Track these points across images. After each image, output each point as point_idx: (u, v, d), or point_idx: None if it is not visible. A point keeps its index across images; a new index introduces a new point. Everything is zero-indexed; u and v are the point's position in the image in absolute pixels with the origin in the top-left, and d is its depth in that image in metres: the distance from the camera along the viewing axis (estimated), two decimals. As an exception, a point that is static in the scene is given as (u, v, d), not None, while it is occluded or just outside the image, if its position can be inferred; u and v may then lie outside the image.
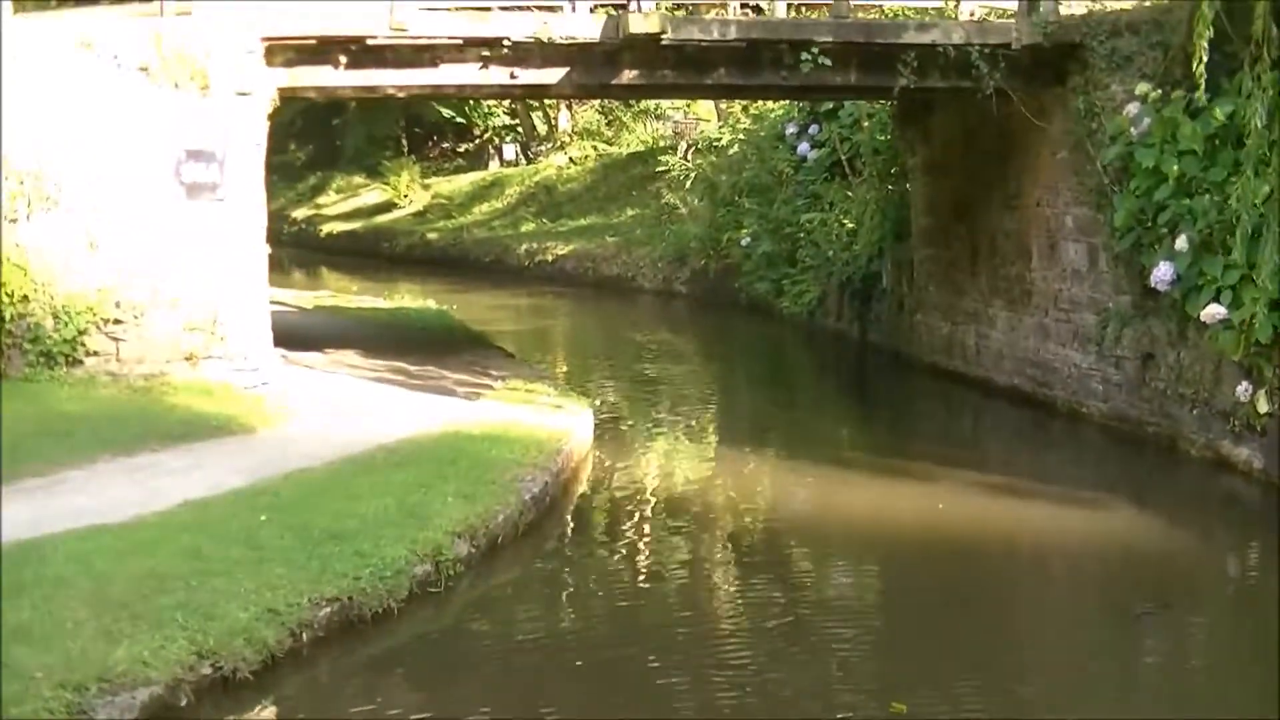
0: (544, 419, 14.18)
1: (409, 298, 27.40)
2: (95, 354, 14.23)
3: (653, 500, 13.19)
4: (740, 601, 10.45)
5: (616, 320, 29.57)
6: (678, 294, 31.49)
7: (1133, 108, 14.67)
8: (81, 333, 14.16)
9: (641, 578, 10.96)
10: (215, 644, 7.75)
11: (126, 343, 14.32)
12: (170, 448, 12.40)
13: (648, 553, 11.60)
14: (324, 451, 12.39)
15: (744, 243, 27.76)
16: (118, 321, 14.26)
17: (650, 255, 32.95)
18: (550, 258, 36.52)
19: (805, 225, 25.76)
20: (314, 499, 10.48)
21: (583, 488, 13.60)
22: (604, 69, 15.90)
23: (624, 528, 12.28)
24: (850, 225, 24.45)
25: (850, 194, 24.74)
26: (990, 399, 18.13)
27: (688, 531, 12.19)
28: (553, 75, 15.85)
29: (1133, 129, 14.63)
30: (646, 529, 12.27)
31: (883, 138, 23.20)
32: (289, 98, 15.95)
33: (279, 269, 44.47)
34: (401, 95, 16.67)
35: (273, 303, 25.80)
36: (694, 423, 17.63)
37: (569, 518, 12.44)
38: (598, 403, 18.30)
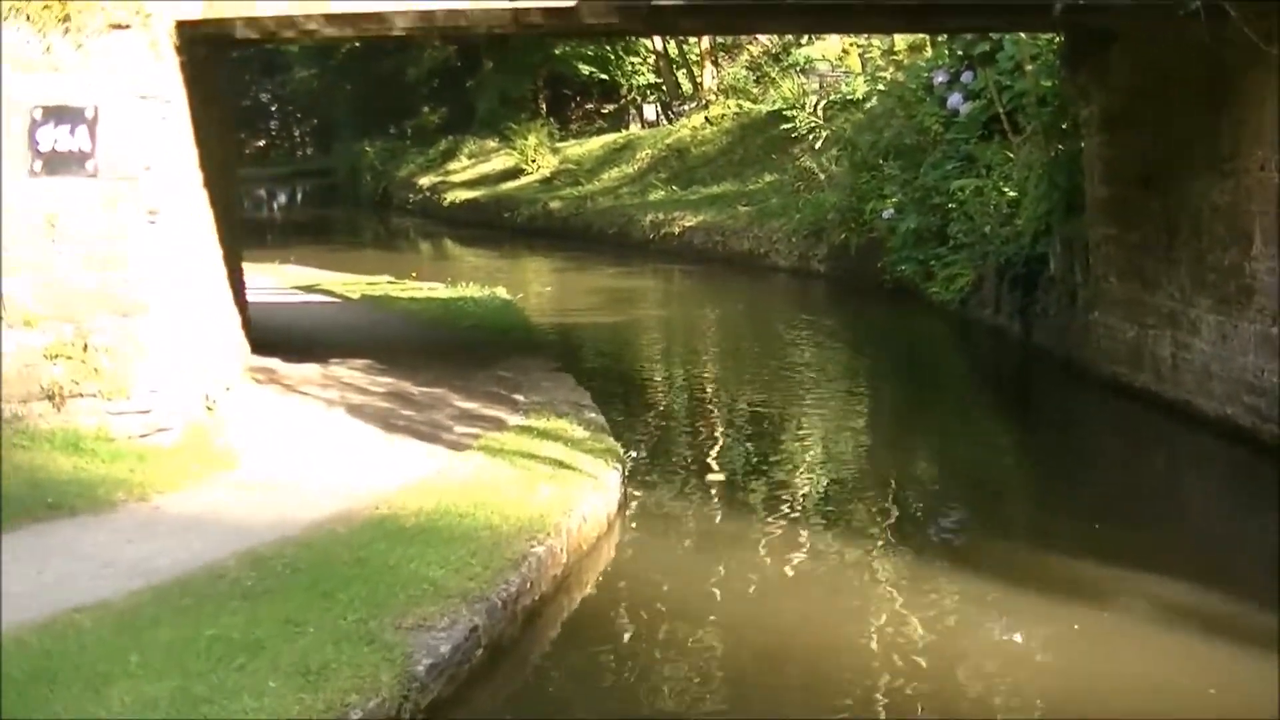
0: (533, 491, 9.83)
1: (493, 282, 23.17)
2: (-77, 392, 10.31)
3: (677, 634, 8.57)
4: None
5: (739, 308, 24.95)
6: (815, 273, 26.99)
7: None
8: (-98, 363, 10.25)
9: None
10: None
11: (-32, 375, 10.39)
12: (-44, 546, 8.40)
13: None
14: (167, 558, 8.24)
15: (886, 215, 23.20)
16: (-47, 346, 10.33)
17: (785, 228, 28.55)
18: (677, 229, 32.37)
19: (957, 194, 21.14)
20: (35, 683, 6.25)
21: (585, 594, 9.26)
22: (639, -15, 11.52)
23: (614, 698, 7.89)
24: (1011, 194, 19.84)
25: (1011, 156, 20.13)
26: (1191, 432, 13.36)
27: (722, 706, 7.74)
28: (568, -4, 11.51)
29: None
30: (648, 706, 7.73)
31: (1050, 84, 18.51)
32: (214, 36, 11.79)
33: (406, 240, 41.99)
34: (353, 30, 12.38)
35: (317, 291, 22.37)
36: (795, 472, 12.92)
37: (526, 682, 7.95)
38: (667, 439, 14.00)
